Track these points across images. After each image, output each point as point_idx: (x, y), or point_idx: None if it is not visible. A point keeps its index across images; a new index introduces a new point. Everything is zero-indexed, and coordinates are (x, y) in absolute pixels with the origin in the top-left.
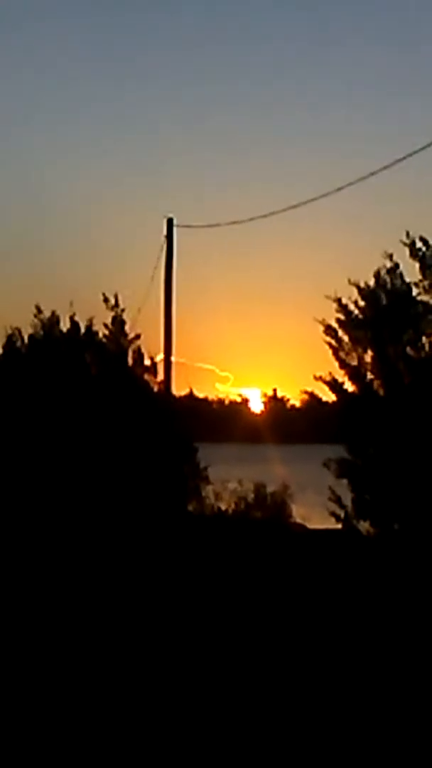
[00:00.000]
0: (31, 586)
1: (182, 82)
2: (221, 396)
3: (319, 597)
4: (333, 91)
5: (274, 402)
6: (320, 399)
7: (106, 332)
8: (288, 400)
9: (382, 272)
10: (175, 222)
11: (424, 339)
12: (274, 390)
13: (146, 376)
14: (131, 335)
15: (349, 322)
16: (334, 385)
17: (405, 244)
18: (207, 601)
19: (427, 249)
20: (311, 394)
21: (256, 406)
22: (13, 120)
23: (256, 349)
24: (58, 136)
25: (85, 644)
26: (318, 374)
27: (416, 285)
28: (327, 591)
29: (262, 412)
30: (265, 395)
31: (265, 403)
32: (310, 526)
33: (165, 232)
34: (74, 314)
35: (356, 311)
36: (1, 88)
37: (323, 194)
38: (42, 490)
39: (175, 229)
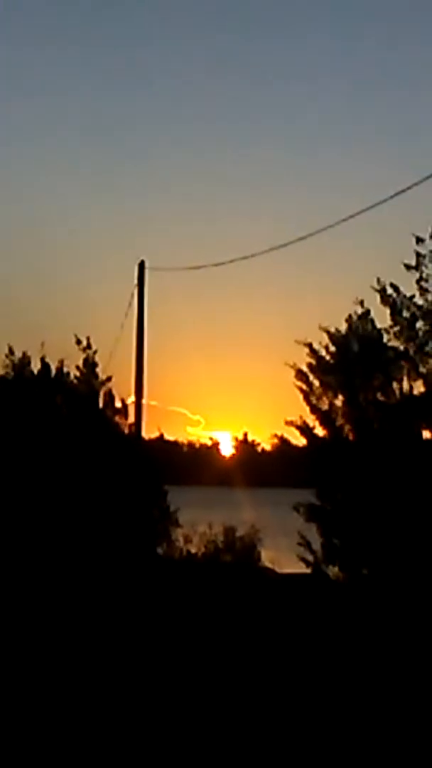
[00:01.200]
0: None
1: (155, 125)
2: (192, 439)
3: (287, 641)
4: (305, 139)
5: (245, 445)
6: (290, 443)
7: (78, 374)
8: (258, 444)
9: (354, 318)
10: (146, 265)
11: (394, 384)
12: (245, 434)
13: (117, 419)
14: (103, 377)
15: (320, 367)
16: (305, 430)
17: (376, 290)
18: (176, 644)
19: (398, 295)
20: (282, 438)
21: (227, 449)
22: None
23: (227, 393)
24: (30, 178)
25: (53, 687)
26: (289, 419)
27: (387, 331)
28: (296, 635)
29: (233, 455)
30: (235, 439)
31: (235, 447)
32: (279, 570)
33: (137, 274)
34: (45, 356)
35: (327, 356)
36: None
37: (295, 239)
38: (10, 532)
39: (147, 272)
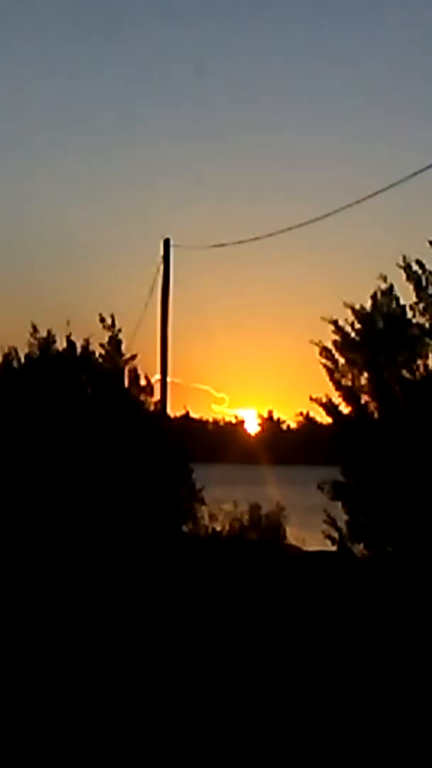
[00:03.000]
0: (24, 609)
1: (179, 102)
2: (217, 417)
3: (312, 618)
4: (329, 114)
5: (270, 423)
6: (315, 421)
7: (102, 352)
8: (283, 421)
9: (378, 295)
10: (171, 242)
11: (419, 361)
12: (270, 411)
13: (142, 397)
14: (127, 355)
15: (345, 344)
16: (330, 407)
17: (401, 267)
18: (202, 622)
19: (423, 272)
20: (306, 416)
21: (252, 427)
22: (8, 139)
23: (252, 371)
24: (54, 156)
25: (79, 667)
26: (314, 396)
27: (412, 308)
28: (321, 612)
29: (258, 433)
30: (260, 416)
31: (260, 425)
32: (305, 548)
33: (162, 252)
34: (70, 334)
35: (352, 333)
36: None
37: (319, 216)
38: (36, 510)
39: (171, 250)
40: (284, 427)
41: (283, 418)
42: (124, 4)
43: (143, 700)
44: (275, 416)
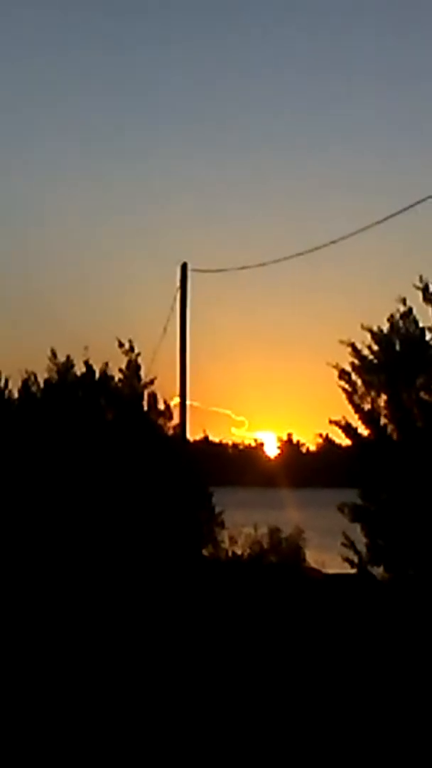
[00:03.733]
0: (45, 633)
1: (196, 128)
2: (236, 440)
3: (333, 641)
4: (345, 137)
5: (289, 446)
6: (335, 443)
7: (121, 377)
8: (303, 444)
9: (396, 317)
10: (189, 267)
11: None
12: (289, 434)
13: (161, 421)
14: (146, 380)
15: (363, 366)
16: (348, 430)
17: (418, 288)
18: (223, 646)
19: None
20: (326, 438)
21: (271, 450)
22: (26, 163)
23: (272, 394)
24: (72, 181)
25: (98, 690)
26: (333, 418)
27: (430, 329)
28: (341, 635)
29: (277, 456)
30: (280, 439)
31: (280, 447)
32: (325, 570)
33: (179, 276)
34: (89, 359)
35: (370, 356)
36: (14, 130)
37: (336, 239)
38: (57, 535)
39: (189, 274)
40: (304, 449)
41: (302, 440)
42: (131, 41)
43: (164, 722)
44: (295, 439)
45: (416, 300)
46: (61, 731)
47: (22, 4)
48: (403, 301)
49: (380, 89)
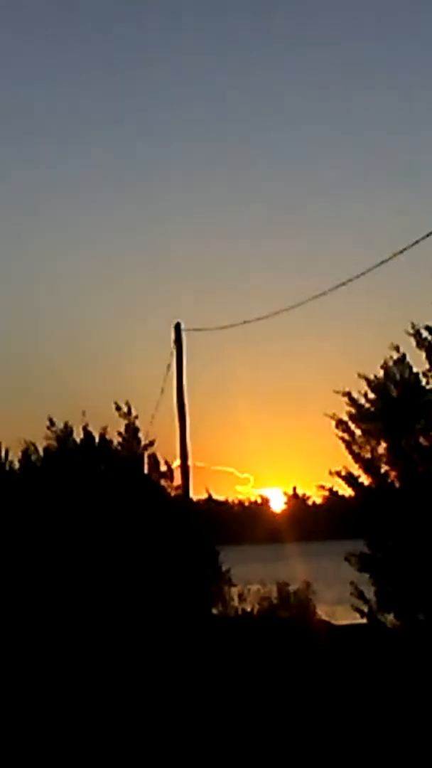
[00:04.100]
0: (56, 697)
1: (185, 184)
2: (241, 498)
3: (345, 693)
4: (330, 190)
5: (295, 500)
6: (338, 494)
7: (120, 440)
8: (308, 497)
9: (390, 364)
10: (183, 326)
11: None
12: (294, 488)
13: (163, 482)
14: (145, 442)
15: (360, 415)
16: (350, 479)
17: (410, 335)
18: (238, 703)
19: None
20: (330, 490)
21: (277, 505)
22: (21, 228)
23: (274, 448)
24: (63, 242)
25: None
26: (333, 469)
27: (425, 374)
28: (353, 686)
29: (283, 511)
30: (285, 494)
31: (285, 502)
32: (336, 622)
33: (173, 336)
34: (87, 424)
35: (366, 404)
36: (10, 193)
37: (326, 290)
38: (63, 602)
39: (183, 333)
40: (309, 502)
41: (307, 494)
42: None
43: None
44: (300, 492)
45: (410, 346)
46: None
47: None
48: (396, 348)
49: (362, 145)
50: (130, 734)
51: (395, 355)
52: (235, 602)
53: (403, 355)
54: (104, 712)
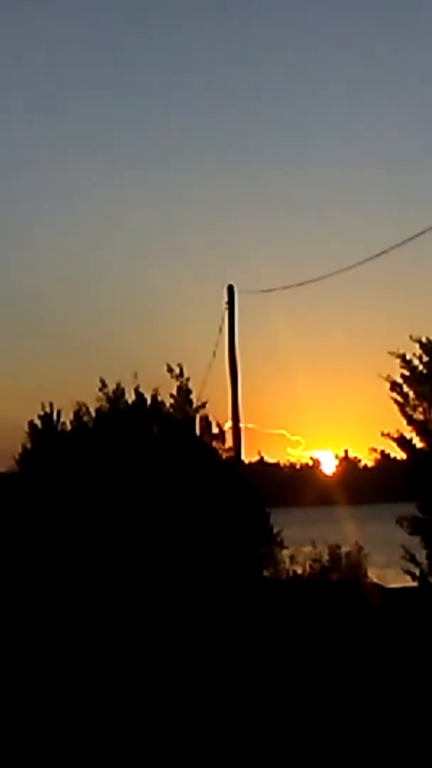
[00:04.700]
0: (111, 660)
1: (238, 150)
2: (293, 460)
3: (398, 655)
4: (385, 149)
5: (346, 463)
6: (390, 457)
7: (172, 402)
8: (360, 460)
9: None
10: (235, 289)
11: None
12: (345, 451)
13: (215, 444)
14: (197, 404)
15: (413, 377)
16: (402, 442)
17: None
18: (289, 665)
19: None
20: (382, 452)
21: (329, 468)
22: (72, 189)
23: (326, 411)
24: (117, 206)
25: (166, 713)
26: (385, 431)
27: None
28: (406, 649)
29: (334, 473)
30: (336, 456)
31: (337, 465)
32: (387, 585)
33: (226, 299)
34: (139, 386)
35: (420, 366)
36: (54, 156)
37: (379, 252)
38: (117, 562)
39: (236, 295)
40: (361, 465)
41: (359, 456)
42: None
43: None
44: (351, 455)
45: None
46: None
47: None
48: None
49: (412, 99)
50: (184, 694)
51: None
52: (286, 564)
53: None
54: (157, 672)
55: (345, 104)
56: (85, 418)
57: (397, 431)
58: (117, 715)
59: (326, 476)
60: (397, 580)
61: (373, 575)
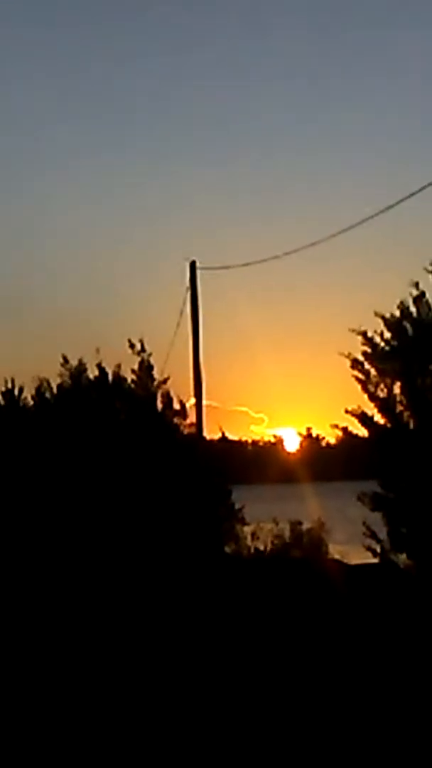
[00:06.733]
0: (64, 636)
1: (201, 124)
2: (256, 438)
3: (359, 631)
4: (348, 126)
5: (309, 440)
6: (353, 434)
7: (134, 377)
8: (323, 438)
9: (408, 301)
10: (197, 265)
11: None
12: (308, 428)
13: (176, 420)
14: (159, 379)
15: (375, 354)
16: (365, 419)
17: (429, 272)
18: (250, 641)
19: None
20: (344, 430)
21: (291, 445)
22: (32, 164)
23: (289, 389)
24: (78, 181)
25: (118, 692)
26: (349, 408)
27: None
28: (365, 625)
29: (297, 451)
30: (299, 434)
31: (300, 442)
32: (348, 561)
33: (188, 275)
34: (101, 361)
35: (382, 343)
36: (17, 134)
37: (343, 229)
38: (76, 540)
39: (198, 272)
40: (323, 443)
41: (322, 434)
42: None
43: (181, 719)
44: (314, 433)
45: (428, 284)
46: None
47: None
48: (416, 285)
49: (385, 82)
50: (141, 673)
51: (414, 292)
52: (248, 541)
53: (422, 293)
54: (116, 649)
55: (304, 83)
56: (47, 394)
57: (359, 408)
58: (78, 689)
59: (289, 454)
60: (359, 556)
61: (334, 552)
